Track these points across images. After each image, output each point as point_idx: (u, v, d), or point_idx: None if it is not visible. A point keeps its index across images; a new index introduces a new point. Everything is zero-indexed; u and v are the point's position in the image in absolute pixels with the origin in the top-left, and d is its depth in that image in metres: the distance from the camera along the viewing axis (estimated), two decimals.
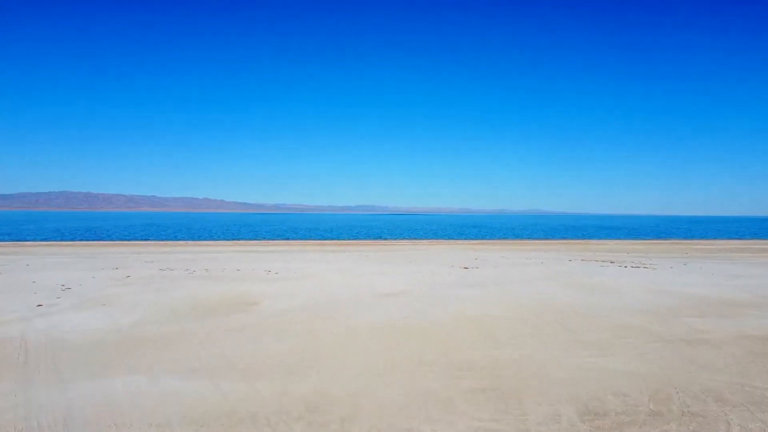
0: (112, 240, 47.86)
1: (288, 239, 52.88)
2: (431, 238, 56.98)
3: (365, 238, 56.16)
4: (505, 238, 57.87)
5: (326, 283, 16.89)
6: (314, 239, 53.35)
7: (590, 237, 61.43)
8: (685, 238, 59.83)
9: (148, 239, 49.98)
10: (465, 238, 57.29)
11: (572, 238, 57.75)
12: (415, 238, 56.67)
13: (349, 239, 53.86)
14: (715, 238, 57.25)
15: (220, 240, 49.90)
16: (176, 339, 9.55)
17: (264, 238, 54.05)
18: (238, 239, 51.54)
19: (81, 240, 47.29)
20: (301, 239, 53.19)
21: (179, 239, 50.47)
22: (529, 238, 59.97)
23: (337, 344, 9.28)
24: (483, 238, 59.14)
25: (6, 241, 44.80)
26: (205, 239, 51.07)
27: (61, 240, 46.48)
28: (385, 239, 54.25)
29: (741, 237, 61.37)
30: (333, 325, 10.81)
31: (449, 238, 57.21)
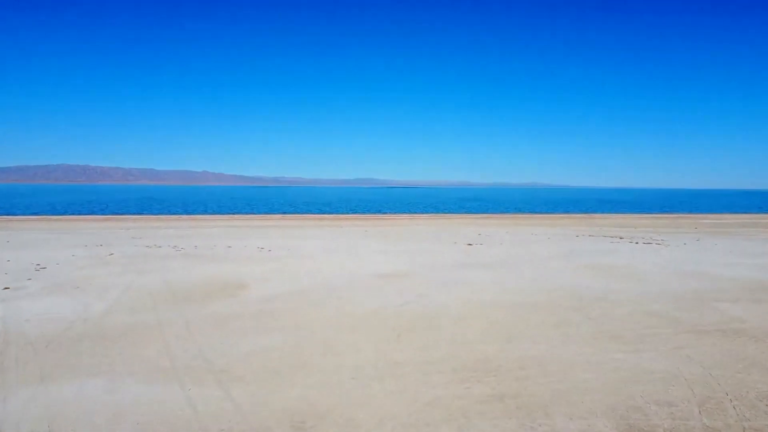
0: (104, 214, 46.62)
1: (285, 213, 51.67)
2: (431, 212, 55.81)
3: (363, 212, 54.97)
4: (507, 212, 56.71)
5: (321, 264, 15.77)
6: (311, 213, 52.16)
7: (593, 211, 60.25)
8: (691, 212, 58.67)
9: (141, 213, 48.77)
10: (466, 212, 56.12)
11: (576, 212, 56.60)
12: (415, 213, 55.51)
13: (347, 213, 52.66)
14: (722, 212, 56.09)
15: (214, 214, 48.68)
16: (149, 331, 8.44)
17: (260, 213, 52.84)
18: (234, 213, 50.31)
19: (72, 214, 46.06)
20: (298, 213, 51.98)
21: (173, 213, 49.26)
22: (531, 212, 58.80)
23: (330, 338, 8.18)
24: (484, 212, 57.94)
25: None
26: (200, 213, 49.85)
27: (51, 214, 45.25)
28: (384, 213, 53.07)
29: (749, 211, 60.24)
30: (326, 314, 9.70)
31: (450, 212, 56.05)
